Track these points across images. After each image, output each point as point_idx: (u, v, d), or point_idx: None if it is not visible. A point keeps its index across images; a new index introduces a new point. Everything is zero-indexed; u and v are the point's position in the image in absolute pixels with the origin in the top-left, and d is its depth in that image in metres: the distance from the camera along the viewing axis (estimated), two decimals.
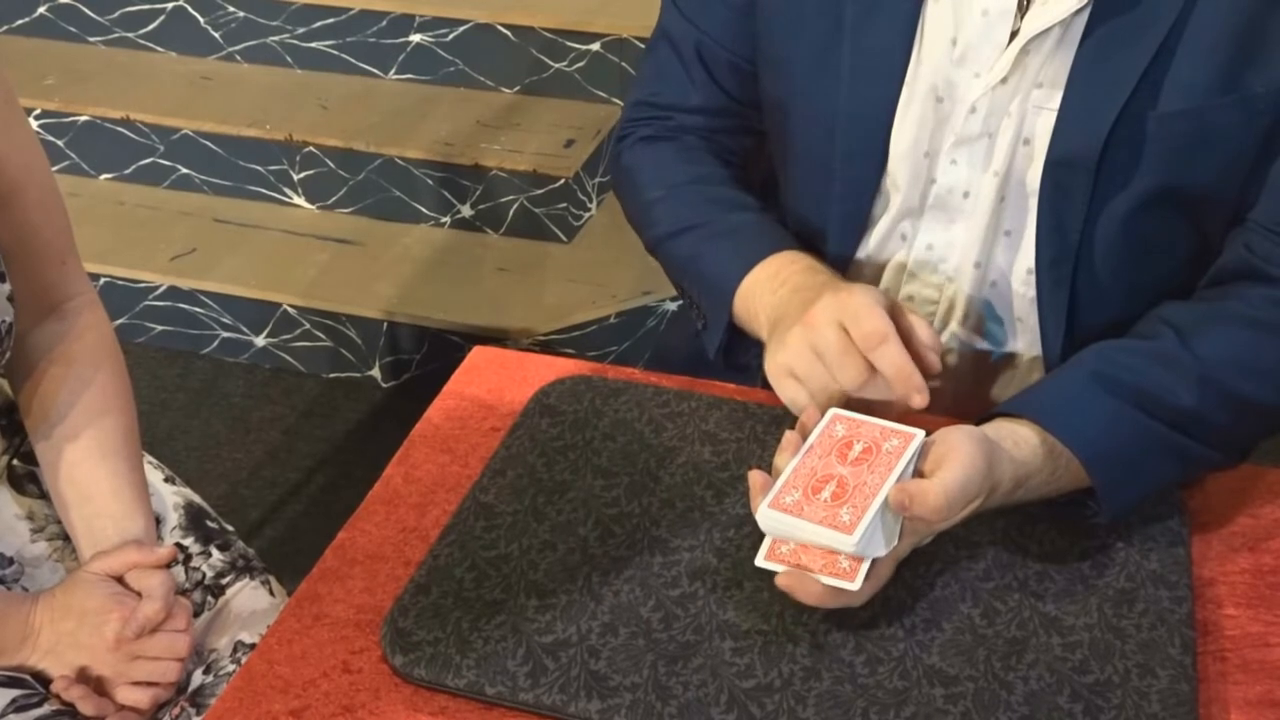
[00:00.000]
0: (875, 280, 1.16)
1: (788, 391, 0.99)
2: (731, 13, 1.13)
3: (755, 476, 0.90)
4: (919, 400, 0.93)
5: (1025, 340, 1.14)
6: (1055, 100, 1.01)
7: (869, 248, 1.14)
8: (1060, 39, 0.99)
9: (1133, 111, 0.98)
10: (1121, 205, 1.02)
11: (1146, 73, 0.97)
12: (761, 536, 0.93)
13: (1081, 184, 1.02)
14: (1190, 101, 0.97)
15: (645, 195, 1.20)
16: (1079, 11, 0.97)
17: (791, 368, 0.98)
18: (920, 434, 0.90)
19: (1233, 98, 0.97)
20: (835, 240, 1.14)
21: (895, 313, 0.96)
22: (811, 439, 0.91)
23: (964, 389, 1.19)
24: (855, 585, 0.84)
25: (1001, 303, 1.12)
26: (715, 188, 1.17)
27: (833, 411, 0.93)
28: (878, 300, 0.96)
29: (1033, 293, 1.09)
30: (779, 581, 0.87)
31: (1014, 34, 1.00)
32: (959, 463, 0.87)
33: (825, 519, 0.85)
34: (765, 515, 0.87)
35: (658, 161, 1.21)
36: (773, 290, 1.05)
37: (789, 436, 0.92)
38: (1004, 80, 1.01)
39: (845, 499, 0.86)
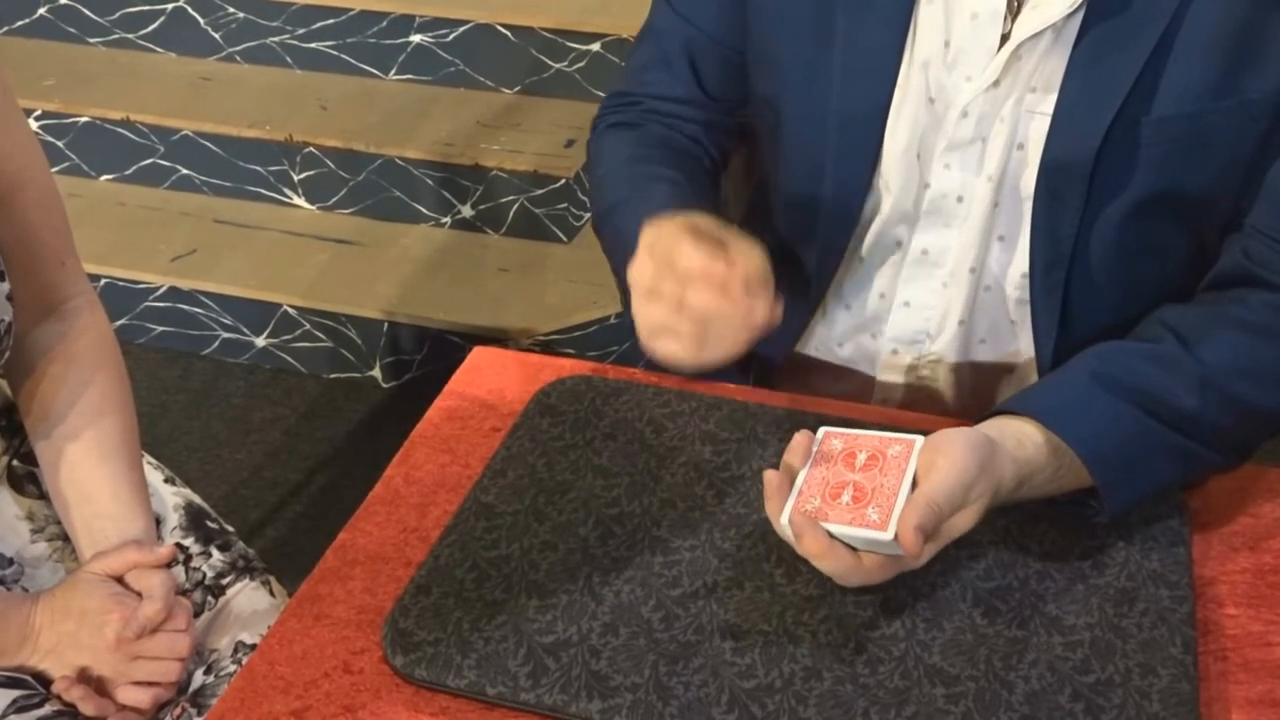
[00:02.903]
0: (870, 284, 1.15)
1: (660, 348, 0.93)
2: (725, 4, 1.13)
3: (771, 477, 0.89)
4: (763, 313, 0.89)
5: (1021, 344, 1.14)
6: (1049, 104, 1.00)
7: (863, 251, 1.13)
8: (1053, 42, 0.99)
9: (1127, 116, 0.98)
10: (1116, 210, 1.02)
11: (1141, 76, 0.96)
12: (764, 536, 0.94)
13: (1076, 189, 1.01)
14: (1185, 106, 0.97)
15: (594, 174, 1.21)
16: (1071, 15, 0.97)
17: (649, 321, 0.93)
18: (920, 439, 0.90)
19: (1229, 102, 0.96)
20: (826, 242, 1.14)
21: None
22: (813, 455, 0.92)
23: (961, 392, 1.19)
24: (888, 534, 0.84)
25: (997, 307, 1.12)
26: (652, 166, 1.15)
27: (824, 430, 0.93)
28: (688, 223, 0.91)
29: (1027, 297, 1.09)
30: (791, 521, 0.86)
31: (1006, 37, 1.00)
32: (943, 471, 0.86)
33: (854, 520, 0.85)
34: (794, 521, 0.87)
35: (613, 144, 1.21)
36: None
37: (798, 439, 0.92)
38: (996, 84, 1.01)
39: (867, 500, 0.86)
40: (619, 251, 1.10)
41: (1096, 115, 0.98)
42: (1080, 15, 0.97)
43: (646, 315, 0.93)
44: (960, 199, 1.07)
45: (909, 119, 1.05)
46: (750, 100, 1.16)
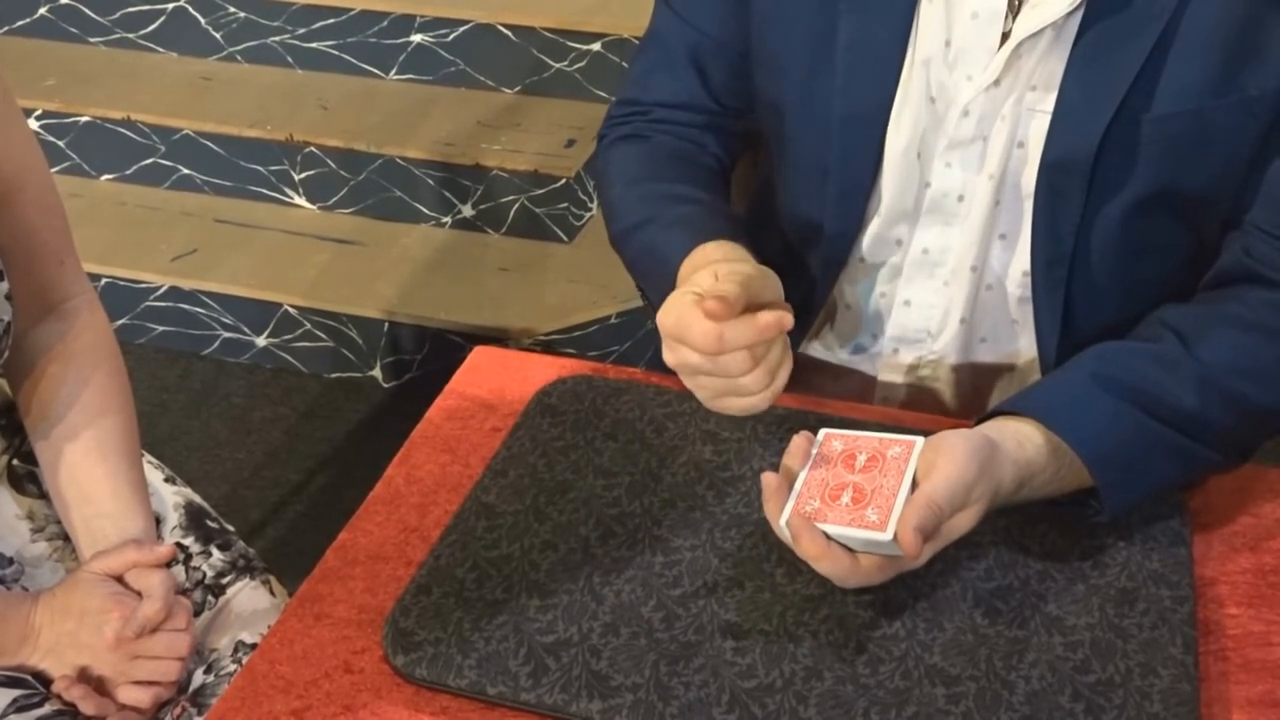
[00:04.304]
0: (871, 283, 1.15)
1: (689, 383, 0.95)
2: (727, 6, 1.12)
3: (769, 479, 0.90)
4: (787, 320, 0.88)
5: (1022, 342, 1.14)
6: (1049, 102, 1.00)
7: (864, 250, 1.13)
8: (1053, 40, 0.98)
9: (1127, 113, 0.98)
10: (1117, 208, 1.02)
11: (1141, 74, 0.96)
12: (765, 536, 0.94)
13: (1076, 186, 1.01)
14: (1185, 103, 0.97)
15: (609, 193, 1.20)
16: (1072, 13, 0.97)
17: (676, 362, 0.93)
18: (920, 440, 0.90)
19: (1228, 100, 0.96)
20: (830, 242, 1.13)
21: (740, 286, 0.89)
22: (813, 456, 0.92)
23: (962, 391, 1.19)
24: (887, 535, 0.84)
25: (998, 305, 1.12)
26: (668, 184, 1.15)
27: (824, 431, 0.94)
28: (694, 300, 0.89)
29: (1029, 295, 1.09)
30: (789, 523, 0.86)
31: (1006, 36, 1.00)
32: (944, 471, 0.86)
33: (853, 520, 0.85)
34: (791, 523, 0.87)
35: (624, 159, 1.20)
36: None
37: (796, 441, 0.92)
38: (996, 82, 1.01)
39: (866, 502, 0.86)
40: (649, 268, 1.11)
41: (1096, 113, 0.98)
42: (1080, 13, 0.97)
43: (701, 390, 0.94)
44: (961, 198, 1.07)
45: (910, 118, 1.05)
46: (755, 103, 1.16)
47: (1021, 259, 1.08)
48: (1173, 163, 0.99)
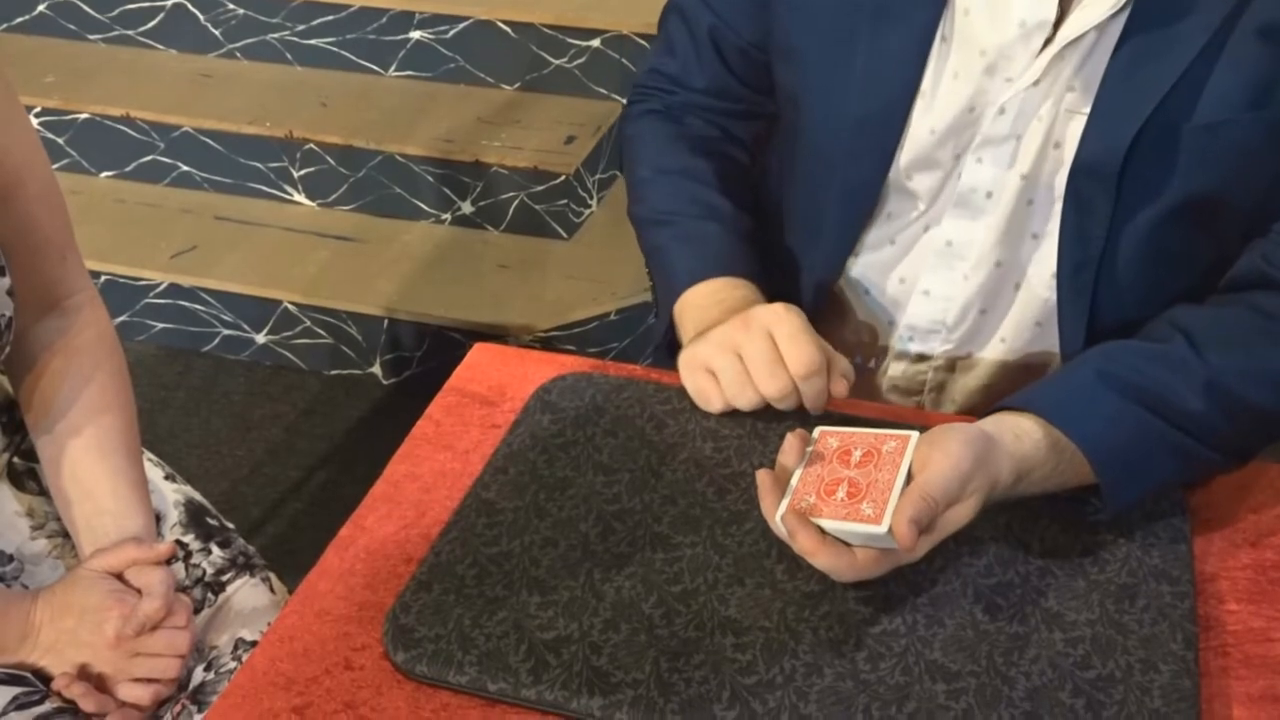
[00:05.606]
0: (891, 270, 1.15)
1: (699, 382, 1.04)
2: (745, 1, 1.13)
3: (764, 476, 0.90)
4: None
5: (1042, 345, 1.13)
6: (1087, 104, 1.00)
7: (886, 238, 1.13)
8: (1095, 43, 0.98)
9: (1160, 121, 0.97)
10: (1147, 215, 1.02)
11: (1179, 83, 0.96)
12: (765, 533, 0.93)
13: (1105, 190, 1.01)
14: (1220, 115, 0.96)
15: (636, 171, 1.23)
16: (1116, 15, 0.96)
17: (708, 363, 1.03)
18: (915, 434, 0.90)
19: (1265, 112, 0.96)
20: (831, 236, 1.14)
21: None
22: (808, 454, 0.92)
23: (972, 389, 1.19)
24: (882, 528, 0.84)
25: (1021, 304, 1.12)
26: (698, 185, 1.18)
27: (819, 429, 0.94)
28: (810, 327, 1.01)
29: (1053, 296, 1.08)
30: (784, 519, 0.87)
31: (1047, 39, 1.00)
32: (939, 464, 0.87)
33: (849, 515, 0.86)
34: (786, 519, 0.87)
35: (655, 139, 1.23)
36: (705, 308, 1.09)
37: (790, 440, 0.92)
38: (1035, 83, 1.01)
39: (861, 496, 0.86)
40: (656, 267, 1.20)
41: (1130, 118, 0.97)
42: (1124, 16, 0.96)
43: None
44: (990, 194, 1.07)
45: (935, 122, 1.04)
46: (776, 91, 1.17)
47: (1051, 261, 1.07)
48: (1206, 173, 0.99)
